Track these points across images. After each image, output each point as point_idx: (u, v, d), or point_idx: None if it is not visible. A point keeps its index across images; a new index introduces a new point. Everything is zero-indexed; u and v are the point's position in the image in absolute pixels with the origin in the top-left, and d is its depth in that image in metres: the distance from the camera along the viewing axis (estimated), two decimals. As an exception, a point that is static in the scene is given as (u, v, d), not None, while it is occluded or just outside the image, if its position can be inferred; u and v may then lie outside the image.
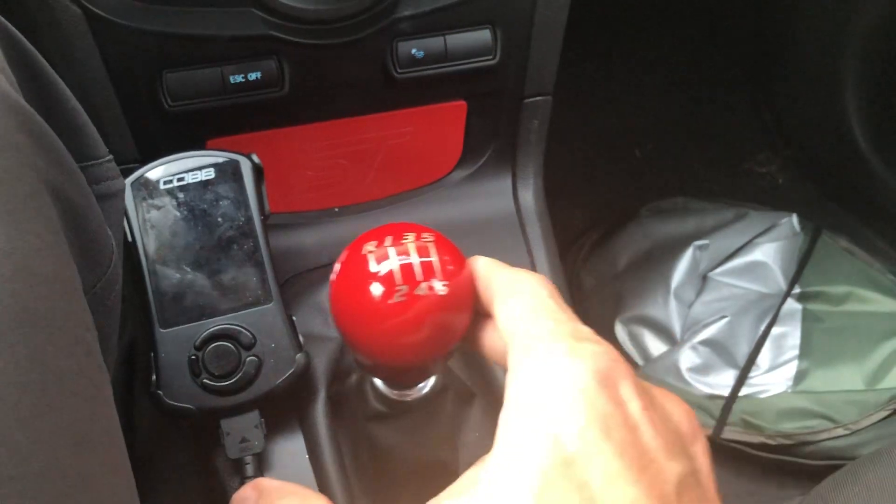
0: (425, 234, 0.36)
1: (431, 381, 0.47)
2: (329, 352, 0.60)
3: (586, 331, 0.31)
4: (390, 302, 0.35)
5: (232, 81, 0.60)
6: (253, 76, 0.60)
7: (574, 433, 0.27)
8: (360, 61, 0.62)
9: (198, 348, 0.55)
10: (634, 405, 0.28)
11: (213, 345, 0.55)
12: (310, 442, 0.58)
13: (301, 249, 0.68)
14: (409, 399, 0.47)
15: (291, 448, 0.58)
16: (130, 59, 0.58)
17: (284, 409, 0.58)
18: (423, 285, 0.35)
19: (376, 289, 0.35)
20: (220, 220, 0.57)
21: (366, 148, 0.68)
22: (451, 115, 0.68)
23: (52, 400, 0.27)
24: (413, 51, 0.62)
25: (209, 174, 0.58)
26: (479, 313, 0.37)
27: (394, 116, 0.67)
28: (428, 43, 0.62)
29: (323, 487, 0.57)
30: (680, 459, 0.28)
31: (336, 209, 0.70)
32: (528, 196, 0.73)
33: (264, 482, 0.35)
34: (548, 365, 0.29)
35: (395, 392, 0.47)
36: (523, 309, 0.32)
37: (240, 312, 0.56)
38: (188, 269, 0.56)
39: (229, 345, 0.55)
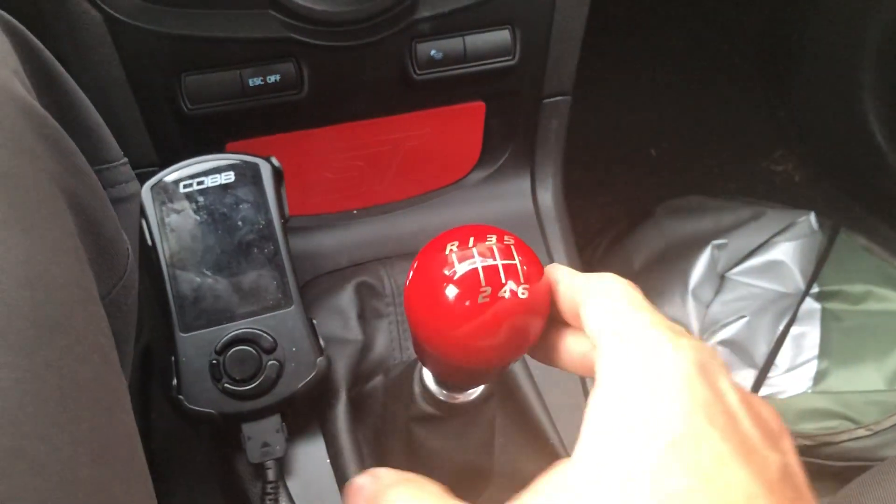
0: (507, 237, 0.36)
1: (482, 386, 0.46)
2: (349, 355, 0.60)
3: (680, 327, 0.31)
4: (474, 303, 0.34)
5: (251, 84, 0.59)
6: (272, 79, 0.60)
7: (679, 419, 0.27)
8: (379, 63, 0.62)
9: (219, 352, 0.54)
10: (733, 396, 0.29)
11: (234, 349, 0.54)
12: (331, 446, 0.58)
13: (320, 252, 0.68)
14: (457, 402, 0.47)
15: (313, 452, 0.58)
16: (149, 62, 0.58)
17: (305, 412, 0.58)
18: (507, 288, 0.34)
19: (460, 288, 0.34)
20: (240, 223, 0.57)
21: (384, 150, 0.67)
22: (470, 116, 0.68)
23: (70, 409, 0.27)
24: (432, 52, 0.62)
25: (229, 177, 0.57)
26: (556, 321, 0.37)
27: (412, 118, 0.66)
28: (447, 44, 0.62)
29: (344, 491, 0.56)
30: (777, 451, 0.28)
31: (354, 211, 0.70)
32: (548, 196, 0.73)
33: (381, 471, 0.35)
34: (651, 353, 0.29)
35: (446, 394, 0.46)
36: (616, 304, 0.32)
37: (260, 316, 0.56)
38: (208, 273, 0.56)
39: (250, 349, 0.55)
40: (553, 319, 0.37)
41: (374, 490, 0.33)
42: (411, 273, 0.38)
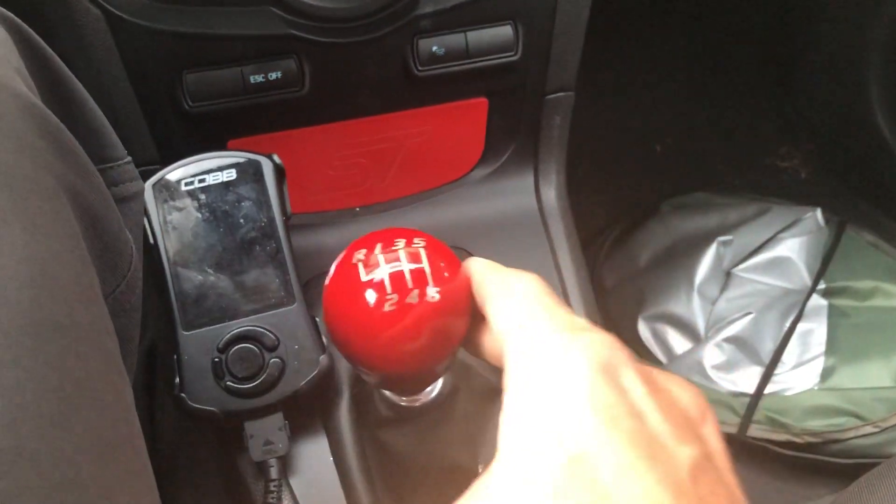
0: (417, 240, 0.35)
1: (439, 384, 0.46)
2: (352, 353, 0.60)
3: (581, 322, 0.30)
4: (382, 311, 0.34)
5: (252, 81, 0.59)
6: (273, 76, 0.59)
7: (579, 428, 0.26)
8: (381, 59, 0.61)
9: (221, 350, 0.54)
10: (638, 391, 0.28)
11: (237, 347, 0.54)
12: (334, 444, 0.57)
13: (322, 250, 0.67)
14: (418, 404, 0.46)
15: (316, 450, 0.58)
16: (150, 59, 0.58)
17: (308, 410, 0.58)
18: (415, 293, 0.34)
19: (367, 298, 0.34)
20: (241, 221, 0.57)
21: (387, 147, 0.67)
22: (473, 113, 0.68)
23: (73, 408, 0.27)
24: (434, 48, 0.61)
25: (230, 175, 0.57)
26: (477, 316, 0.36)
27: (415, 115, 0.66)
28: (449, 40, 0.62)
29: (347, 489, 0.56)
30: (691, 443, 0.27)
31: (357, 209, 0.70)
32: (551, 193, 0.72)
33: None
34: (545, 361, 0.28)
35: (404, 399, 0.46)
36: (517, 308, 0.32)
37: (262, 314, 0.55)
38: (210, 271, 0.56)
39: (252, 347, 0.54)
40: (476, 314, 0.36)
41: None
42: (325, 286, 0.37)
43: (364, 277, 0.34)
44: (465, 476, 0.53)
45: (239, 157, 0.58)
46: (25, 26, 0.38)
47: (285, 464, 0.56)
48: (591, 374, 0.27)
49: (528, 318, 0.31)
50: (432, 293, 0.34)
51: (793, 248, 1.12)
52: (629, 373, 0.28)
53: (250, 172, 0.57)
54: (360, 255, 0.35)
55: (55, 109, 0.35)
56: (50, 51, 0.39)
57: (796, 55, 1.34)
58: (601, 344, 0.29)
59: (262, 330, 0.55)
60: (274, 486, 0.54)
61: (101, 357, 0.30)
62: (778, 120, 1.40)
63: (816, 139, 1.36)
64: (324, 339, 0.56)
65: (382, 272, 0.34)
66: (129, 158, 0.43)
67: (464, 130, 0.69)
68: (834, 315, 1.07)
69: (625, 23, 1.25)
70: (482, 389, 0.58)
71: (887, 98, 1.18)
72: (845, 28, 1.20)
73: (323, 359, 0.55)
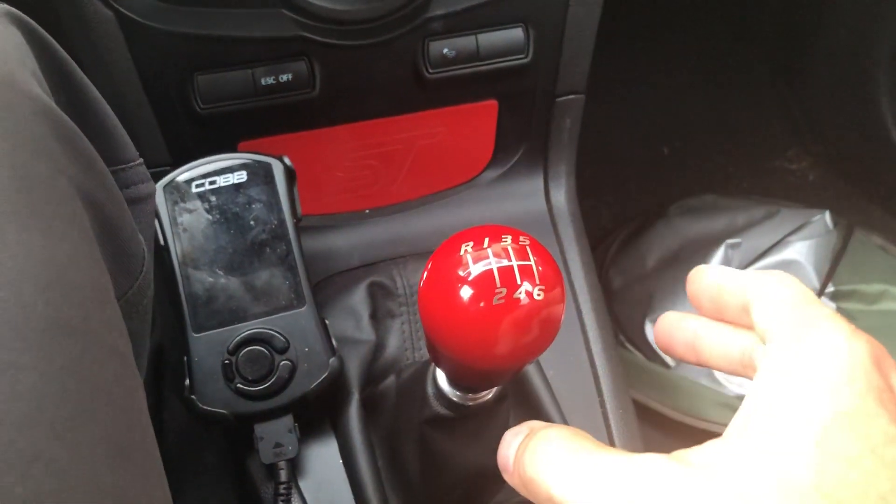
0: (522, 238, 0.36)
1: (496, 387, 0.46)
2: (362, 355, 0.60)
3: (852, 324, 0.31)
4: (490, 305, 0.34)
5: (263, 83, 0.59)
6: (284, 78, 0.59)
7: (852, 394, 0.27)
8: (391, 61, 0.61)
9: (231, 353, 0.54)
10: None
11: (247, 349, 0.54)
12: (343, 446, 0.57)
13: (332, 252, 0.67)
14: (471, 404, 0.46)
15: (325, 452, 0.58)
16: (162, 61, 0.58)
17: (318, 413, 0.58)
18: (522, 289, 0.34)
19: (475, 289, 0.34)
20: (252, 223, 0.57)
21: (397, 149, 0.67)
22: (483, 115, 0.68)
23: (88, 411, 0.27)
24: (444, 50, 0.61)
25: (241, 177, 0.57)
26: (708, 320, 0.37)
27: (425, 117, 0.66)
28: (459, 42, 0.62)
29: (356, 491, 0.56)
30: None
31: (367, 211, 0.70)
32: (561, 196, 0.72)
33: (535, 424, 0.35)
34: (827, 341, 0.29)
35: (459, 395, 0.46)
36: (790, 298, 0.32)
37: (273, 316, 0.55)
38: (220, 273, 0.56)
39: (263, 349, 0.54)
40: (706, 318, 0.37)
41: (528, 433, 0.33)
42: (425, 274, 0.37)
43: (473, 269, 0.34)
44: (492, 482, 0.53)
45: (249, 158, 0.58)
46: (39, 28, 0.38)
47: (295, 466, 0.56)
48: (867, 362, 0.28)
49: (805, 310, 0.31)
50: (538, 291, 0.34)
51: (801, 251, 1.12)
52: None
53: (261, 174, 0.57)
54: (468, 246, 0.35)
55: (68, 111, 0.35)
56: (63, 52, 0.39)
57: (805, 58, 1.34)
58: (876, 343, 0.30)
59: (272, 332, 0.55)
60: (284, 489, 0.54)
61: (115, 359, 0.30)
62: (786, 122, 1.39)
63: (825, 141, 1.36)
64: (333, 342, 0.56)
65: (492, 265, 0.34)
66: (141, 160, 0.43)
67: (474, 132, 0.69)
68: (842, 318, 1.06)
69: (633, 25, 1.25)
70: (528, 398, 0.59)
71: (895, 102, 1.18)
72: (854, 31, 1.20)
73: (333, 361, 0.55)
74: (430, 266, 0.37)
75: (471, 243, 0.36)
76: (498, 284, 0.34)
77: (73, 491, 0.25)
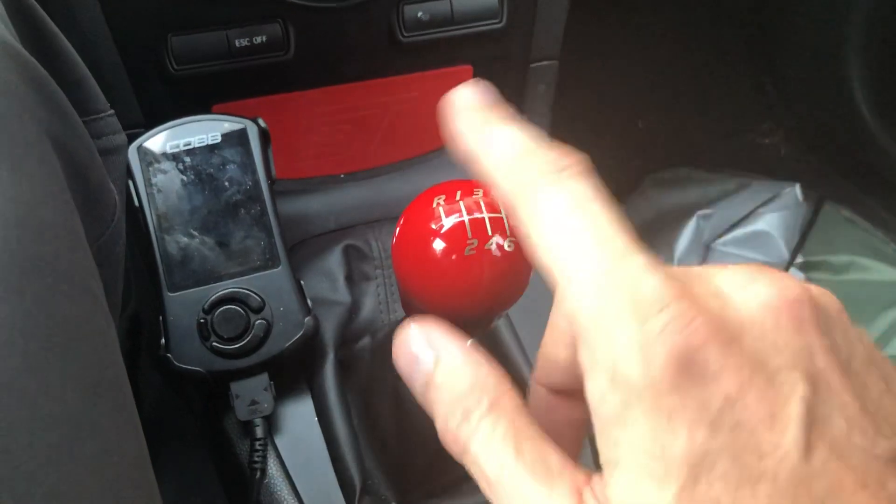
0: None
1: (469, 342, 0.47)
2: (337, 316, 0.60)
3: (650, 281, 0.24)
4: (462, 255, 0.35)
5: (237, 45, 0.59)
6: (258, 40, 0.59)
7: (681, 449, 0.21)
8: (366, 25, 0.62)
9: (206, 312, 0.55)
10: (728, 382, 0.24)
11: (222, 308, 0.55)
12: (319, 405, 0.58)
13: (307, 215, 0.68)
14: None
15: (301, 411, 0.58)
16: (135, 22, 0.58)
17: (293, 372, 0.59)
18: (493, 241, 0.35)
19: (446, 242, 0.35)
20: (226, 184, 0.57)
21: (371, 113, 0.67)
22: (458, 80, 0.67)
23: (59, 346, 0.27)
24: (419, 14, 0.62)
25: (215, 138, 0.57)
26: None
27: (399, 81, 0.66)
28: (434, 6, 0.62)
29: (332, 449, 0.57)
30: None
31: (342, 175, 0.70)
32: (534, 162, 0.73)
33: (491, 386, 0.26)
34: (619, 347, 0.23)
35: None
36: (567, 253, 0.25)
37: (248, 276, 0.56)
38: (195, 233, 0.56)
39: (238, 308, 0.55)
40: None
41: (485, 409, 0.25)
42: (398, 228, 0.38)
43: (445, 221, 0.35)
44: None
45: (224, 120, 0.58)
46: None
47: (271, 423, 0.57)
48: (673, 379, 0.21)
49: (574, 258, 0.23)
50: (509, 243, 0.35)
51: (771, 222, 1.13)
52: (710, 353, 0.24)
53: (235, 136, 0.58)
54: (441, 199, 0.36)
55: (37, 59, 0.35)
56: (32, 1, 0.39)
57: (778, 33, 1.35)
58: (676, 325, 0.23)
59: (247, 292, 0.55)
60: (260, 445, 0.55)
61: (87, 299, 0.30)
62: (759, 97, 1.41)
63: (796, 116, 1.38)
64: (308, 302, 0.57)
65: (463, 217, 0.35)
66: (112, 111, 0.43)
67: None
68: (811, 288, 1.09)
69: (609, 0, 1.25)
70: (500, 356, 0.59)
71: (866, 77, 1.19)
72: (826, 6, 1.21)
73: (308, 320, 0.56)
74: (402, 219, 0.38)
75: (443, 196, 0.36)
76: (469, 236, 0.35)
77: (44, 421, 0.26)
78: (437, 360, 0.26)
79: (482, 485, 0.24)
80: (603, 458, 0.21)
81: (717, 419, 0.19)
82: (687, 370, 0.20)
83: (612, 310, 0.21)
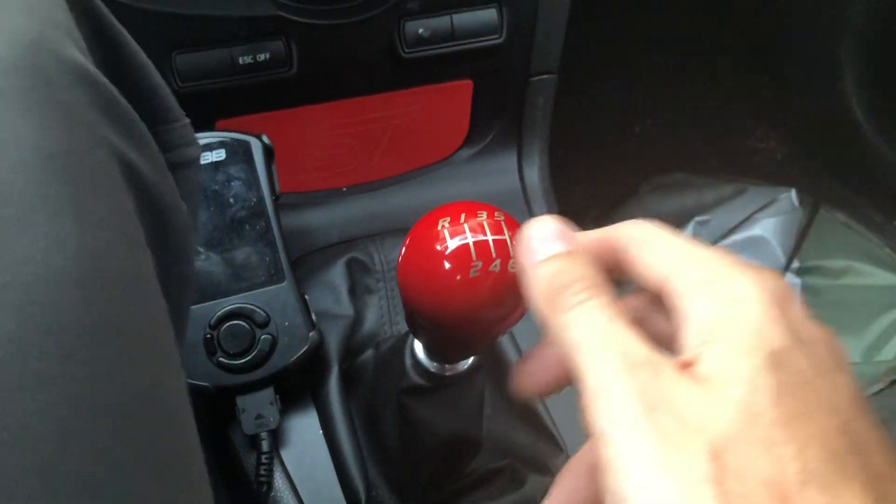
0: (496, 213, 0.37)
1: (471, 358, 0.48)
2: (341, 329, 0.61)
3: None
4: (466, 277, 0.35)
5: (241, 62, 0.60)
6: (262, 57, 0.60)
7: (781, 331, 0.26)
8: (368, 41, 0.62)
9: (212, 327, 0.55)
10: (807, 325, 0.28)
11: (228, 324, 0.55)
12: (323, 417, 0.59)
13: (310, 229, 0.68)
14: (447, 374, 0.48)
15: (306, 424, 0.59)
16: (140, 40, 0.58)
17: (298, 385, 0.59)
18: (496, 262, 0.36)
19: (451, 263, 0.36)
20: (231, 200, 0.58)
21: (373, 127, 0.68)
22: (458, 94, 0.69)
23: (129, 421, 0.25)
24: (420, 30, 0.62)
25: (220, 155, 0.58)
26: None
27: (401, 96, 0.67)
28: (435, 22, 0.63)
29: (337, 461, 0.58)
30: (845, 367, 0.28)
31: (344, 188, 0.71)
32: (534, 174, 0.74)
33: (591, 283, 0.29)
34: (737, 282, 0.27)
35: (436, 366, 0.48)
36: (672, 244, 0.30)
37: (253, 291, 0.57)
38: (201, 250, 0.57)
39: (243, 323, 0.56)
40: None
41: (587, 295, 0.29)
42: (404, 248, 0.39)
43: (450, 243, 0.36)
44: (466, 449, 0.55)
45: (228, 137, 0.58)
46: None
47: (276, 437, 0.57)
48: (775, 298, 0.27)
49: (693, 253, 0.29)
50: (511, 265, 0.36)
51: (768, 227, 1.14)
52: (798, 307, 0.28)
53: (240, 152, 0.58)
54: (446, 222, 0.37)
55: (106, 69, 0.32)
56: (103, 7, 0.35)
57: (774, 39, 1.36)
58: (777, 277, 0.29)
59: (252, 307, 0.56)
60: (266, 459, 0.56)
61: (157, 357, 0.28)
62: (755, 103, 1.41)
63: (792, 122, 1.39)
64: (313, 316, 0.57)
65: (468, 240, 0.36)
66: (188, 121, 0.39)
67: (449, 111, 0.70)
68: (807, 293, 1.10)
69: (604, 5, 1.26)
70: (502, 370, 0.60)
71: (861, 82, 1.20)
72: (822, 13, 1.22)
73: (313, 335, 0.57)
74: (408, 240, 0.39)
75: (448, 219, 0.37)
76: (474, 258, 0.36)
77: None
78: (576, 243, 0.30)
79: (571, 350, 0.27)
80: (694, 344, 0.27)
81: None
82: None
83: None
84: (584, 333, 0.27)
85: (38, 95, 0.27)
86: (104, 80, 0.30)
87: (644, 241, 0.31)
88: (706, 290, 0.28)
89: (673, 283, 0.29)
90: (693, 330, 0.27)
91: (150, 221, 0.32)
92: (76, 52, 0.30)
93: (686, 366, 0.26)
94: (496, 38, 0.64)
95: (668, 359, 0.26)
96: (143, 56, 0.37)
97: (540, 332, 0.35)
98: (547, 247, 0.30)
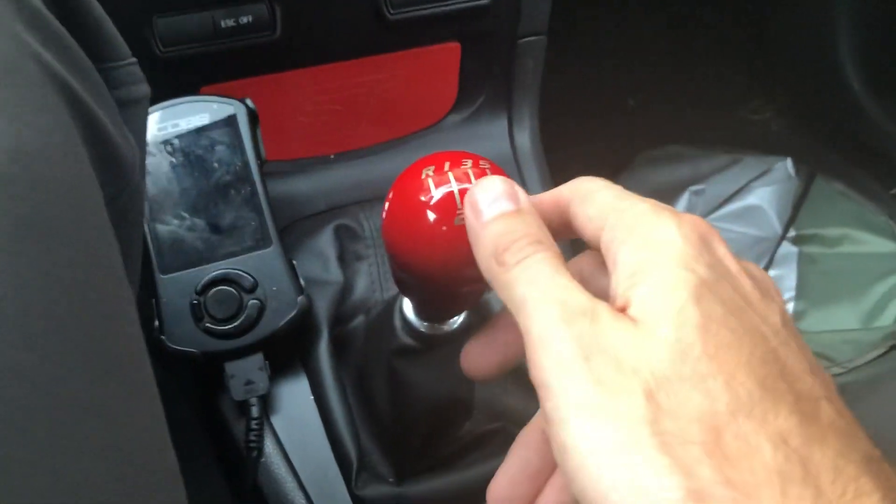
0: (482, 162, 0.36)
1: (462, 316, 0.47)
2: (330, 295, 0.60)
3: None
4: (452, 225, 0.35)
5: (223, 26, 0.59)
6: (244, 20, 0.59)
7: (704, 266, 0.28)
8: (353, 2, 0.61)
9: (199, 293, 0.55)
10: (730, 262, 0.29)
11: (215, 289, 0.55)
12: (314, 383, 0.58)
13: (297, 197, 0.68)
14: (437, 333, 0.47)
15: (296, 390, 0.58)
16: (120, 3, 0.57)
17: (288, 351, 0.59)
18: None
19: (436, 212, 0.35)
20: (216, 165, 0.57)
21: (360, 92, 0.67)
22: (445, 58, 0.68)
23: (62, 317, 0.25)
24: (406, -10, 0.62)
25: (204, 120, 0.57)
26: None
27: (387, 59, 0.66)
28: (420, -18, 0.62)
29: (329, 427, 0.57)
30: (773, 300, 0.29)
31: (331, 156, 0.70)
32: (525, 138, 0.73)
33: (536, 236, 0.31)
34: (660, 225, 0.29)
35: (426, 325, 0.47)
36: (608, 199, 0.31)
37: (240, 257, 0.56)
38: (186, 215, 0.56)
39: (231, 289, 0.55)
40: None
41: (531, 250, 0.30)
42: (387, 202, 0.38)
43: (434, 193, 0.35)
44: (462, 412, 0.54)
45: (212, 101, 0.58)
46: None
47: (266, 403, 0.57)
48: (697, 238, 0.29)
49: (629, 198, 0.30)
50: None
51: (763, 196, 1.14)
52: (721, 244, 0.30)
53: (224, 117, 0.57)
54: (430, 171, 0.36)
55: (52, 7, 0.32)
56: None
57: (768, 9, 1.35)
58: (700, 221, 0.30)
59: (239, 272, 0.55)
60: (256, 425, 0.55)
61: (97, 264, 0.28)
62: (749, 74, 1.41)
63: (787, 92, 1.38)
64: (301, 281, 0.57)
65: (452, 188, 0.35)
66: (135, 59, 0.39)
67: (437, 75, 0.69)
68: (803, 261, 1.09)
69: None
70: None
71: (856, 51, 1.19)
72: (815, -21, 1.21)
73: (301, 299, 0.56)
74: (392, 192, 0.38)
75: (432, 168, 0.36)
76: (459, 206, 0.35)
77: (48, 404, 0.23)
78: (521, 202, 0.31)
79: (516, 306, 0.28)
80: (623, 289, 0.28)
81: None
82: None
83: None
84: (528, 288, 0.28)
85: None
86: (39, 4, 0.30)
87: (584, 196, 0.32)
88: (631, 236, 0.29)
89: (604, 234, 0.30)
90: (622, 274, 0.28)
91: (96, 150, 0.31)
92: None
93: (621, 310, 0.27)
94: (483, -1, 0.64)
95: (606, 305, 0.27)
96: None
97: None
98: (494, 206, 0.31)
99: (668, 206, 0.30)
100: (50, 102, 0.29)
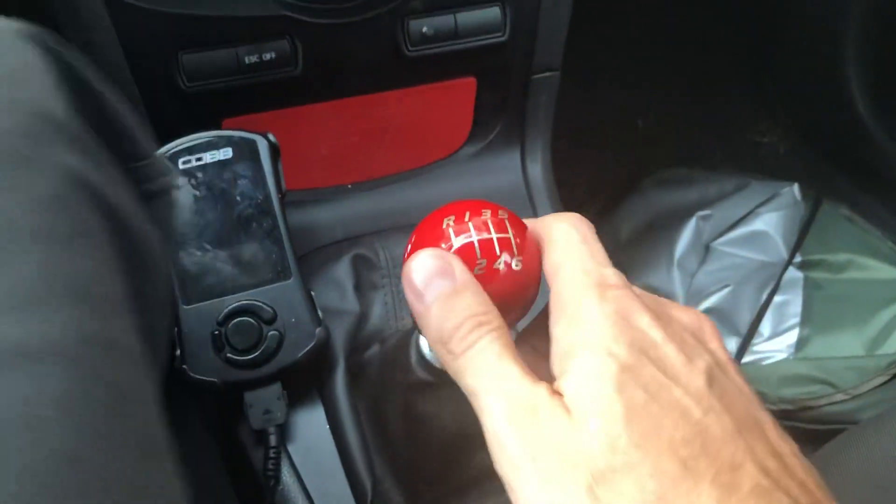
0: (500, 211, 0.38)
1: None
2: (347, 325, 0.62)
3: (610, 273, 0.33)
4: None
5: (247, 62, 0.60)
6: (267, 56, 0.61)
7: (625, 347, 0.30)
8: (372, 40, 0.63)
9: (220, 324, 0.56)
10: (654, 331, 0.32)
11: (235, 320, 0.56)
12: (330, 412, 0.60)
13: (316, 226, 0.69)
14: None
15: (313, 419, 0.60)
16: (147, 40, 0.59)
17: (305, 381, 0.60)
18: (501, 260, 0.36)
19: None
20: (238, 198, 0.58)
21: (378, 125, 0.69)
22: (461, 92, 0.69)
23: (115, 412, 0.27)
24: (423, 29, 0.63)
25: (227, 153, 0.59)
26: None
27: (405, 93, 0.68)
28: (438, 21, 0.63)
29: (344, 455, 0.59)
30: (699, 357, 0.31)
31: (349, 185, 0.72)
32: (537, 170, 0.74)
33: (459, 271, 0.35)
34: (584, 302, 0.32)
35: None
36: (560, 258, 0.34)
37: (260, 288, 0.57)
38: (209, 247, 0.57)
39: (251, 320, 0.56)
40: None
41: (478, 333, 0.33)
42: (409, 246, 0.39)
43: (455, 241, 0.36)
44: (475, 446, 0.55)
45: (234, 135, 0.59)
46: (51, 33, 0.37)
47: (283, 432, 0.58)
48: (618, 319, 0.31)
49: (569, 267, 0.34)
50: (516, 262, 0.36)
51: (770, 222, 1.15)
52: (645, 318, 0.32)
53: (246, 150, 0.59)
54: (450, 220, 0.37)
55: (85, 115, 0.34)
56: (77, 54, 0.38)
57: (776, 33, 1.36)
58: (622, 297, 0.32)
59: (259, 304, 0.57)
60: (273, 453, 0.56)
61: (130, 361, 0.30)
62: (757, 96, 1.42)
63: (795, 115, 1.39)
64: (319, 313, 0.58)
65: (472, 238, 0.36)
66: (157, 155, 0.43)
67: (453, 109, 0.70)
68: (809, 287, 1.10)
69: (606, 2, 1.26)
70: None
71: (863, 75, 1.20)
72: (823, 5, 1.22)
73: (319, 331, 0.57)
74: (413, 239, 0.39)
75: (452, 217, 0.38)
76: (479, 256, 0.36)
77: (106, 485, 0.25)
78: (457, 278, 0.33)
79: (469, 395, 0.32)
80: (557, 371, 0.31)
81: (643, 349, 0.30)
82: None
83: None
84: (474, 381, 0.32)
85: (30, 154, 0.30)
86: (79, 126, 0.33)
87: (549, 240, 0.35)
88: (563, 315, 0.32)
89: (550, 298, 0.33)
90: (556, 354, 0.31)
91: (121, 246, 0.33)
92: (53, 102, 0.32)
93: (555, 393, 0.30)
94: (499, 37, 0.65)
95: (545, 389, 0.30)
96: (116, 101, 0.39)
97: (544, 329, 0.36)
98: (431, 288, 0.33)
99: (601, 275, 0.33)
100: (92, 227, 0.31)
